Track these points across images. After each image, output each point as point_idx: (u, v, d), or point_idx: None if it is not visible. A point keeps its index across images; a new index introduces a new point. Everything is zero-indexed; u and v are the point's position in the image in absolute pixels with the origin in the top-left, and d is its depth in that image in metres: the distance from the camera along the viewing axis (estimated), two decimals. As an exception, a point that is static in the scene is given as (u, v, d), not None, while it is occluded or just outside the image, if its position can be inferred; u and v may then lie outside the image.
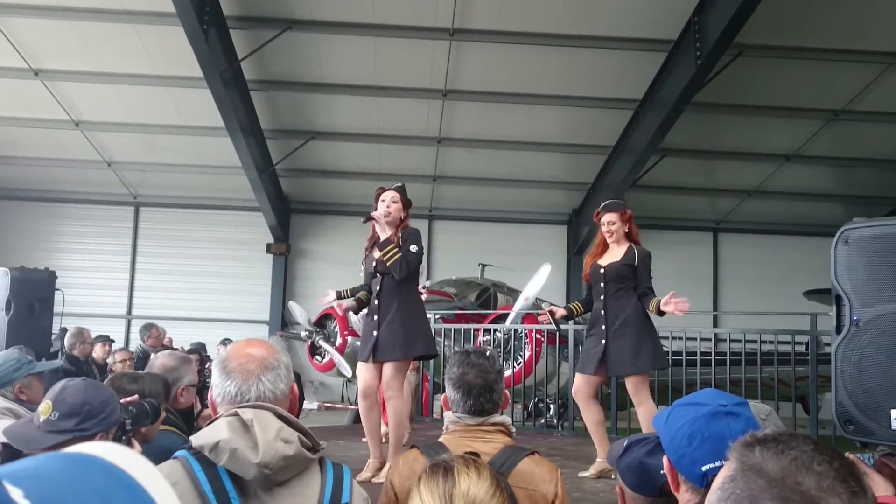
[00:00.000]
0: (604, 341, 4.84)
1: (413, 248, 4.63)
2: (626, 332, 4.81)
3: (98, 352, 7.51)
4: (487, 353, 2.46)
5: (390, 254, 4.55)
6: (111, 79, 12.00)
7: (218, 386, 1.76)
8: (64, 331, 7.94)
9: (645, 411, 4.76)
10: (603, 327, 4.86)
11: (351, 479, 1.73)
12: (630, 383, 4.83)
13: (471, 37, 10.86)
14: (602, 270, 4.89)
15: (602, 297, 4.89)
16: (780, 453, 0.94)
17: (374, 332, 4.62)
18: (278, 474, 1.58)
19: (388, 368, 4.63)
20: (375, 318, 4.65)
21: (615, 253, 4.94)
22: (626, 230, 4.96)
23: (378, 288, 4.67)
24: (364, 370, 4.72)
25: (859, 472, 0.93)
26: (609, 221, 4.95)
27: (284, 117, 13.28)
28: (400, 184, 4.79)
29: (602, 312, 4.89)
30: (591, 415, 5.04)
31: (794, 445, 0.95)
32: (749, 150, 13.75)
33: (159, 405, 3.08)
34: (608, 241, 4.98)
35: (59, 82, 12.23)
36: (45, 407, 2.24)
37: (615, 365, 4.85)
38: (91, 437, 2.27)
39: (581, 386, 4.98)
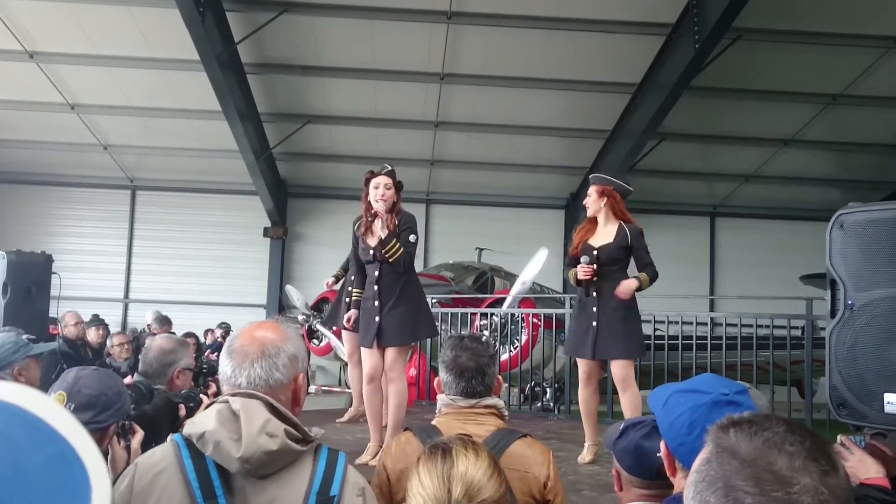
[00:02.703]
0: (595, 323, 4.82)
1: (412, 237, 4.63)
2: (619, 315, 4.79)
3: (92, 335, 7.54)
4: (482, 338, 2.48)
5: (392, 249, 4.54)
6: (107, 62, 11.93)
7: (221, 365, 1.75)
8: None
9: (631, 397, 4.77)
10: (595, 309, 4.83)
11: (345, 467, 1.67)
12: (619, 368, 4.81)
13: (468, 20, 10.81)
14: (595, 252, 4.84)
15: (594, 279, 4.83)
16: (753, 435, 0.95)
17: (377, 318, 4.62)
18: (261, 468, 1.56)
19: (390, 352, 4.65)
20: (376, 303, 4.64)
21: (607, 232, 4.89)
22: (606, 205, 4.90)
23: (377, 274, 4.65)
24: (369, 355, 4.73)
25: (831, 451, 0.95)
26: (588, 194, 4.97)
27: (281, 101, 13.24)
28: (390, 168, 4.74)
29: (595, 294, 4.85)
30: (594, 403, 5.04)
31: (767, 427, 0.96)
32: (747, 134, 13.73)
33: (151, 385, 3.10)
34: (587, 213, 4.98)
35: (55, 65, 12.17)
36: (58, 398, 2.20)
37: (606, 348, 4.82)
38: (106, 429, 2.26)
39: (594, 371, 4.95)
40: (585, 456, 4.95)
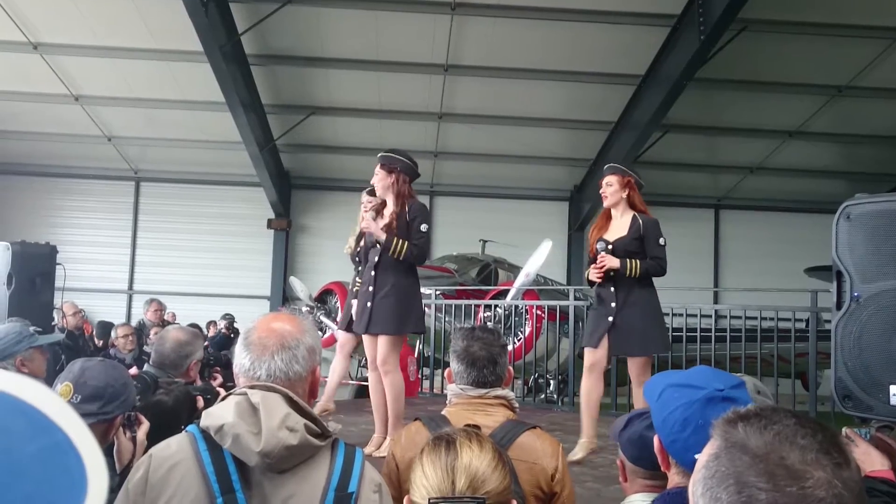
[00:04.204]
0: (611, 318, 4.73)
1: (423, 227, 4.58)
2: (636, 311, 4.71)
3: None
4: (493, 328, 2.49)
5: (398, 249, 4.50)
6: (111, 53, 11.91)
7: (237, 356, 1.74)
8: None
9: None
10: (613, 304, 4.74)
11: (362, 464, 1.67)
12: (636, 365, 4.75)
13: (472, 11, 10.77)
14: (610, 247, 4.74)
15: (612, 274, 4.74)
16: (764, 428, 0.94)
17: (368, 304, 4.61)
18: (281, 463, 1.55)
19: (383, 345, 4.61)
20: (370, 289, 4.63)
21: (621, 226, 4.80)
22: (626, 197, 4.82)
23: (376, 259, 4.64)
24: (369, 342, 4.72)
25: (843, 443, 0.94)
26: (607, 183, 4.86)
27: (285, 92, 13.22)
28: (382, 152, 4.70)
29: (612, 290, 4.77)
30: (596, 394, 4.90)
31: (777, 420, 0.95)
32: (752, 126, 13.68)
33: (157, 375, 3.10)
34: (604, 203, 4.89)
35: (59, 56, 12.15)
36: (64, 389, 2.20)
37: (624, 344, 4.74)
38: (112, 420, 2.26)
39: (598, 360, 4.82)
40: (577, 452, 4.65)
